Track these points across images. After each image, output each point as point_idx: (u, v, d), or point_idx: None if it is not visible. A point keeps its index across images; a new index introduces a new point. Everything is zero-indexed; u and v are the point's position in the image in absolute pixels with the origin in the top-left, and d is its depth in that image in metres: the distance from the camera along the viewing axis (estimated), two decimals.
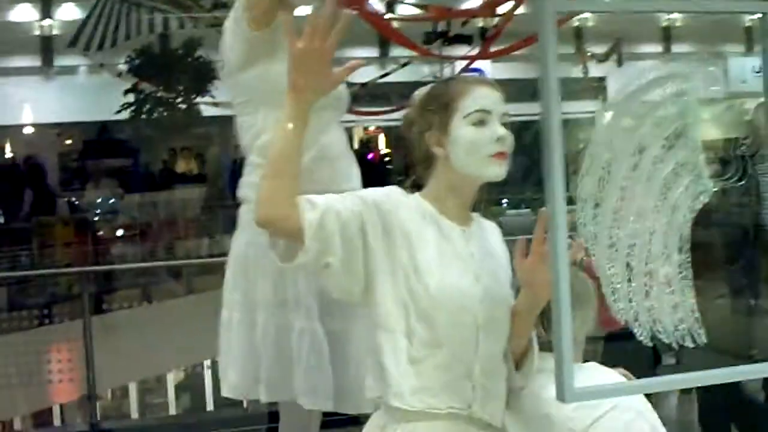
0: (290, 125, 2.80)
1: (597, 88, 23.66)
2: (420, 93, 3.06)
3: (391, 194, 2.91)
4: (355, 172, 3.80)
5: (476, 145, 2.86)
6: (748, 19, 23.30)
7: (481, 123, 2.88)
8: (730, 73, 23.28)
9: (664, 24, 24.31)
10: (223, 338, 3.78)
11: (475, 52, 15.84)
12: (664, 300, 2.20)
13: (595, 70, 24.08)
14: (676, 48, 25.04)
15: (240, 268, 3.74)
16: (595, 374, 3.03)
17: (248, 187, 3.70)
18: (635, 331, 2.19)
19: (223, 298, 3.77)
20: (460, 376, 2.87)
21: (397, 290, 2.82)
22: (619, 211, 2.18)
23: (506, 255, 3.05)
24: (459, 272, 2.87)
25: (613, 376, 3.09)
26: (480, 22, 17.06)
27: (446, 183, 2.94)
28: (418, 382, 2.83)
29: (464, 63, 15.67)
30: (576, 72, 23.33)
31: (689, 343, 2.23)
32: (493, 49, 14.11)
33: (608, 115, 2.21)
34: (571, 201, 1.97)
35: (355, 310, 3.44)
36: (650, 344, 2.20)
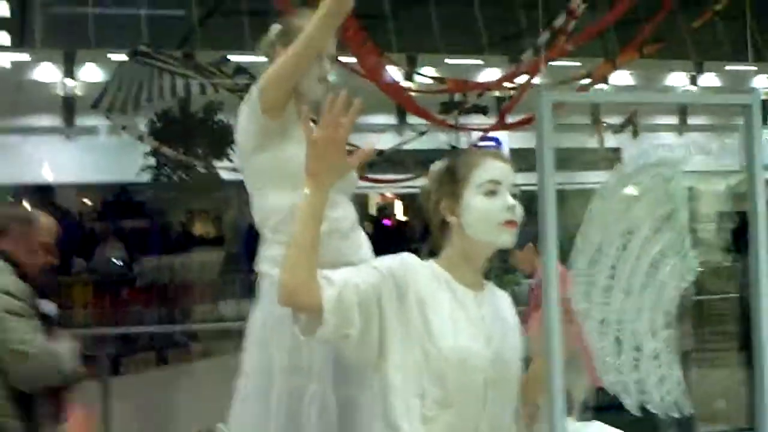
0: (310, 209, 2.95)
1: (612, 159, 23.79)
2: (436, 165, 3.23)
3: (405, 262, 3.06)
4: (365, 244, 3.95)
5: (488, 213, 3.03)
6: (764, 92, 23.46)
7: (492, 193, 3.05)
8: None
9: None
10: (236, 405, 3.92)
11: (491, 121, 16.06)
12: (652, 373, 2.33)
13: (611, 141, 24.22)
14: (693, 120, 25.16)
15: (258, 338, 3.87)
16: None
17: (265, 261, 3.87)
18: (624, 401, 2.32)
19: (241, 367, 3.91)
20: None
21: (411, 353, 2.96)
22: (609, 288, 2.32)
23: (516, 321, 3.20)
24: (471, 335, 3.02)
25: None
26: (496, 93, 17.32)
27: (460, 250, 3.11)
28: None
29: (480, 132, 15.89)
30: (592, 142, 23.46)
31: (675, 414, 2.37)
32: (508, 119, 14.33)
33: (600, 199, 2.35)
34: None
35: (367, 378, 3.57)
36: (639, 414, 2.33)
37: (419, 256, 3.12)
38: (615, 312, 2.32)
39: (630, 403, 2.32)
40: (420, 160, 20.85)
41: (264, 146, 3.83)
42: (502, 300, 3.23)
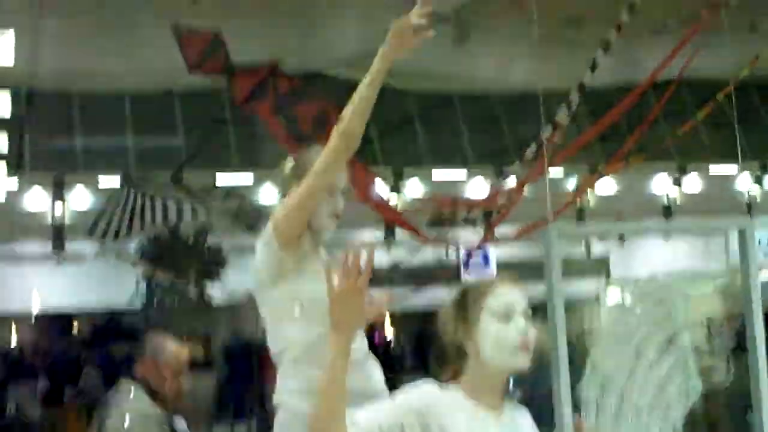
0: (337, 360, 3.03)
1: (600, 267, 23.92)
2: (452, 294, 3.35)
3: (426, 392, 3.16)
4: (376, 372, 4.04)
5: (503, 339, 3.15)
6: (748, 195, 23.73)
7: (506, 318, 3.17)
8: (731, 248, 23.58)
9: (665, 203, 24.70)
10: None
11: (480, 233, 16.18)
12: None
13: (598, 248, 24.36)
14: (677, 225, 25.25)
15: None
16: None
17: (284, 393, 3.96)
18: None
19: None
20: None
21: None
22: (619, 413, 2.41)
23: None
24: None
25: None
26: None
27: (478, 373, 3.21)
28: None
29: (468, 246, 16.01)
30: (579, 251, 23.60)
31: None
32: (497, 232, 14.45)
33: (605, 327, 2.46)
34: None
35: None
36: None
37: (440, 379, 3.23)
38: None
39: None
40: (408, 276, 20.98)
41: (280, 280, 3.94)
42: (522, 416, 3.32)
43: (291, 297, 3.92)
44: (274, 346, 4.04)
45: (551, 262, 2.08)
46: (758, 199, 24.28)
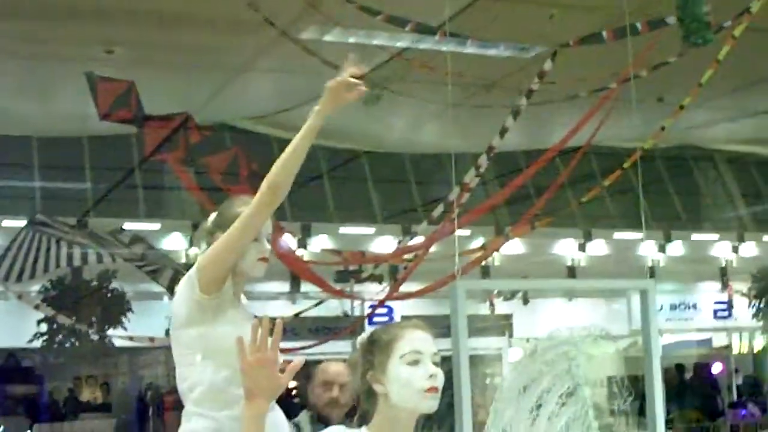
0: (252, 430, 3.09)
1: (504, 325, 24.19)
2: (361, 338, 3.45)
3: None
4: (283, 422, 4.13)
5: (411, 382, 3.25)
6: (651, 261, 24.16)
7: (415, 362, 3.27)
8: (632, 311, 24.00)
9: (569, 264, 25.04)
10: None
11: (386, 290, 16.32)
12: None
13: (502, 308, 24.63)
14: (581, 284, 25.65)
15: None
16: None
17: None
18: None
19: None
20: None
21: None
22: None
23: None
24: None
25: None
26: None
27: (387, 416, 3.30)
28: None
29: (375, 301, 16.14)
30: (483, 309, 23.84)
31: None
32: (402, 288, 14.59)
33: (509, 377, 2.57)
34: None
35: None
36: None
37: (350, 424, 3.32)
38: None
39: None
40: (311, 328, 21.03)
41: (197, 321, 4.03)
42: None
43: (204, 339, 4.01)
44: (181, 384, 4.12)
45: (458, 316, 2.19)
46: (661, 264, 24.75)
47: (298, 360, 3.17)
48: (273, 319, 3.07)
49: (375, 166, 24.86)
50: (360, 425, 3.36)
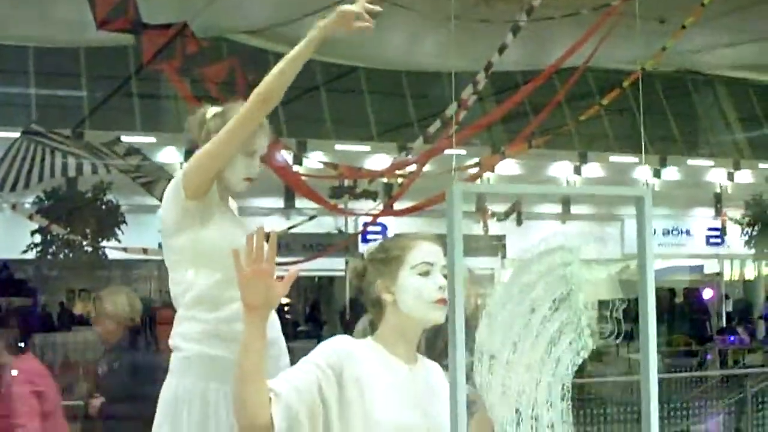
0: (251, 341, 3.05)
1: (497, 246, 24.24)
2: (370, 247, 3.44)
3: (338, 347, 3.23)
4: (274, 322, 4.11)
5: (421, 292, 3.23)
6: (646, 185, 24.14)
7: (425, 273, 3.26)
8: (626, 235, 24.06)
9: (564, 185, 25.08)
10: None
11: (379, 207, 16.31)
12: None
13: (495, 228, 24.69)
14: (575, 209, 25.70)
15: (169, 411, 3.99)
16: None
17: (177, 336, 4.02)
18: None
19: None
20: None
21: (351, 428, 3.13)
22: (511, 363, 2.51)
23: (447, 391, 3.39)
24: (408, 408, 3.20)
25: None
26: (384, 179, 17.59)
27: (395, 326, 3.29)
28: None
29: (369, 217, 16.12)
30: (477, 229, 23.90)
31: None
32: (397, 205, 14.57)
33: (505, 280, 2.55)
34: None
35: None
36: None
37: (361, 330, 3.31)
38: (516, 384, 2.50)
39: None
40: (305, 244, 21.06)
41: (184, 227, 4.00)
42: (434, 372, 3.40)
43: (192, 243, 4.00)
44: (174, 289, 4.11)
45: (453, 220, 2.15)
46: (656, 188, 24.76)
47: (293, 270, 3.15)
48: (267, 233, 3.04)
49: (372, 81, 24.78)
50: (365, 336, 3.36)
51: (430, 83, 22.59)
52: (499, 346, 2.50)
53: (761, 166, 26.42)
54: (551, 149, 21.99)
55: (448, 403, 3.30)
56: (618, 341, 2.60)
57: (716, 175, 26.59)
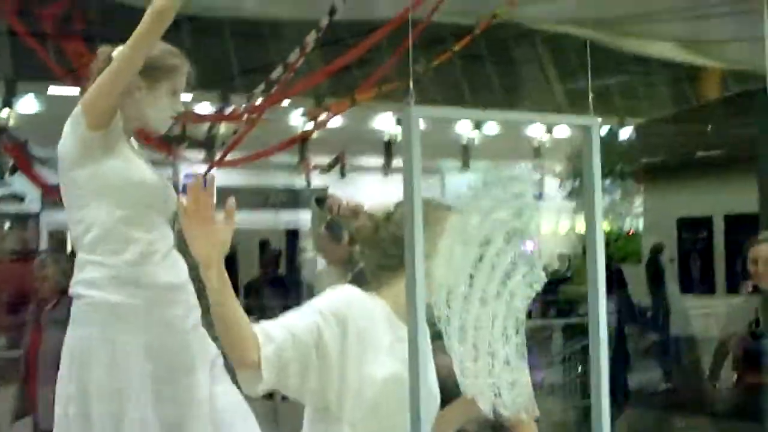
0: (215, 285, 2.96)
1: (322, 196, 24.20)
2: (376, 204, 3.35)
3: (347, 294, 3.20)
4: (182, 266, 3.98)
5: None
6: (466, 138, 24.48)
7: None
8: (447, 188, 24.33)
9: (387, 138, 25.17)
10: None
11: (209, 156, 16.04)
12: (504, 377, 2.46)
13: (318, 181, 24.64)
14: (397, 162, 25.79)
15: (75, 361, 3.84)
16: None
17: (81, 284, 3.85)
18: (480, 404, 2.44)
19: (56, 393, 3.85)
20: None
21: (348, 382, 3.07)
22: (467, 296, 2.44)
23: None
24: (402, 369, 3.11)
25: None
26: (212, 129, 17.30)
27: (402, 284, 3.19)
28: None
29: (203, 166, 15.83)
30: (299, 182, 23.83)
31: (525, 416, 2.51)
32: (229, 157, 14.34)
33: (458, 211, 2.48)
34: None
35: (191, 396, 3.64)
36: (491, 416, 2.46)
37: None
38: (472, 319, 2.44)
39: (485, 406, 2.44)
40: None
41: (85, 160, 3.85)
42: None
43: (93, 178, 3.84)
44: (74, 230, 3.92)
45: (411, 147, 2.07)
46: (476, 142, 25.14)
47: (230, 201, 3.03)
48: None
49: (196, 32, 24.39)
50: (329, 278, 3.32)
51: (258, 33, 22.36)
52: (455, 279, 2.43)
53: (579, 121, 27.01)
54: (378, 102, 22.04)
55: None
56: (569, 274, 2.56)
57: (536, 130, 27.06)
